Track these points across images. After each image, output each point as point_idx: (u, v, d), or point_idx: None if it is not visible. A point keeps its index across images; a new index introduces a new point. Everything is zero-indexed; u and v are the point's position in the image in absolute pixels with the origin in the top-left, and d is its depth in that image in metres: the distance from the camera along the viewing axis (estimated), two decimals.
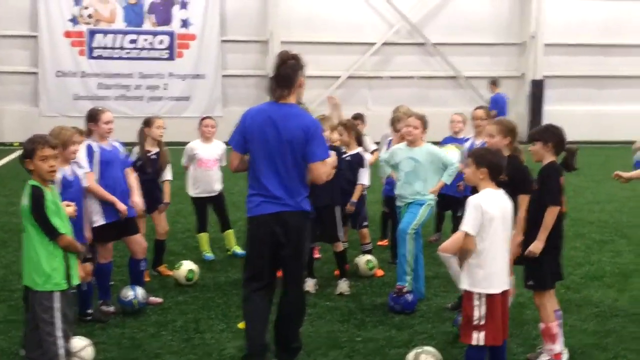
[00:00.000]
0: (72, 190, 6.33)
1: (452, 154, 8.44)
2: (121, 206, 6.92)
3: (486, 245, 5.13)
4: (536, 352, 6.05)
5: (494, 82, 21.13)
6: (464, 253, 5.19)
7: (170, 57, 25.09)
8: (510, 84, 26.86)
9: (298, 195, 5.62)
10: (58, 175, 6.22)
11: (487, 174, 5.23)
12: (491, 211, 5.12)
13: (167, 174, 8.44)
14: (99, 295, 7.14)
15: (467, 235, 5.13)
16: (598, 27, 26.35)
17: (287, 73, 5.57)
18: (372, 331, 6.72)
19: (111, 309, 7.09)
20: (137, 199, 7.29)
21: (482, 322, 5.11)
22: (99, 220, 6.88)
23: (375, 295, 7.81)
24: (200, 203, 9.18)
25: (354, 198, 8.37)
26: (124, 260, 7.74)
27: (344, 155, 8.22)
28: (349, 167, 8.36)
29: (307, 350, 6.15)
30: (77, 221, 6.39)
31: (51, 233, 5.15)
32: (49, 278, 5.14)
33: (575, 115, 24.00)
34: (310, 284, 7.83)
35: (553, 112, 25.01)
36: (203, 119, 9.29)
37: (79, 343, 5.68)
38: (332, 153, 6.41)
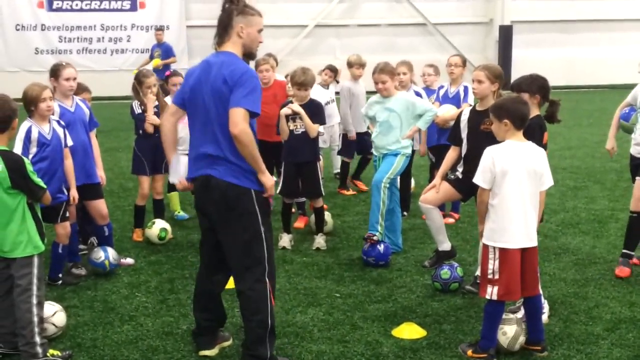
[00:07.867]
0: (49, 148, 6.11)
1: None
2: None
3: (499, 199, 4.96)
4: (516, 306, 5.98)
5: (160, 29, 19.47)
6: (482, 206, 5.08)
7: (133, 8, 24.46)
8: (479, 30, 26.73)
9: None
10: (34, 134, 5.99)
11: (511, 124, 4.98)
12: (504, 164, 4.91)
13: None
14: (68, 257, 6.92)
15: (481, 188, 5.01)
16: None
17: (220, 18, 4.88)
18: (350, 286, 6.59)
19: (82, 271, 6.88)
20: (102, 172, 7.08)
21: (496, 277, 4.97)
22: None
23: (352, 249, 7.69)
24: None
25: None
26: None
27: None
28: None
29: (285, 309, 6.02)
30: (56, 181, 6.18)
31: (38, 191, 4.99)
32: (29, 242, 4.94)
33: (543, 61, 23.84)
34: (286, 240, 7.73)
35: (522, 58, 24.93)
36: (170, 76, 8.88)
37: (50, 308, 5.45)
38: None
